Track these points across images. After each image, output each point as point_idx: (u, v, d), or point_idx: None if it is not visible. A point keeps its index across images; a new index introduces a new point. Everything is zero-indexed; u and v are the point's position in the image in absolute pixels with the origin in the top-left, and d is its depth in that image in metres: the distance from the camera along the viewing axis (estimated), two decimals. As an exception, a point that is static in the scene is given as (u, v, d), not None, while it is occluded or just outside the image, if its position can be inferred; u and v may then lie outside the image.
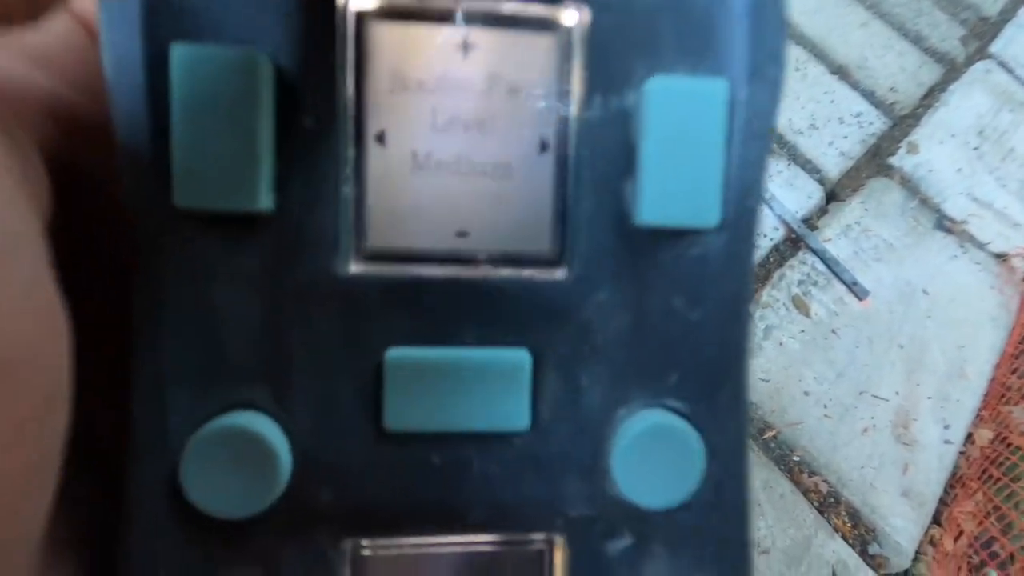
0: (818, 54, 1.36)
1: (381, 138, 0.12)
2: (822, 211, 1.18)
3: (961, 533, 0.93)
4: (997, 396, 1.06)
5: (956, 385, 1.06)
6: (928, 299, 1.13)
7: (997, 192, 1.30)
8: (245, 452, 0.12)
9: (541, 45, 0.13)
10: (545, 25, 0.13)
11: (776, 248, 1.10)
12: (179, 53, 0.11)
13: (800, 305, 1.05)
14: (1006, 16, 1.58)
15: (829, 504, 0.91)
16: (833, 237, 1.14)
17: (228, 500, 0.12)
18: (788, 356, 1.00)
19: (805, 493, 0.90)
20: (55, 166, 0.12)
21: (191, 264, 0.12)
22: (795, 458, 0.92)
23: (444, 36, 0.12)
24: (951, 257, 1.19)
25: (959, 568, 0.89)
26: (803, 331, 1.03)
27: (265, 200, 0.12)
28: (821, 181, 1.20)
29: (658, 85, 0.12)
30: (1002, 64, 1.48)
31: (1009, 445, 0.98)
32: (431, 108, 0.12)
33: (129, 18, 0.11)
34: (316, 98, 0.12)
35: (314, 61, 0.12)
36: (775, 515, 0.87)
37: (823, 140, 1.25)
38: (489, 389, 0.13)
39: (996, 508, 0.92)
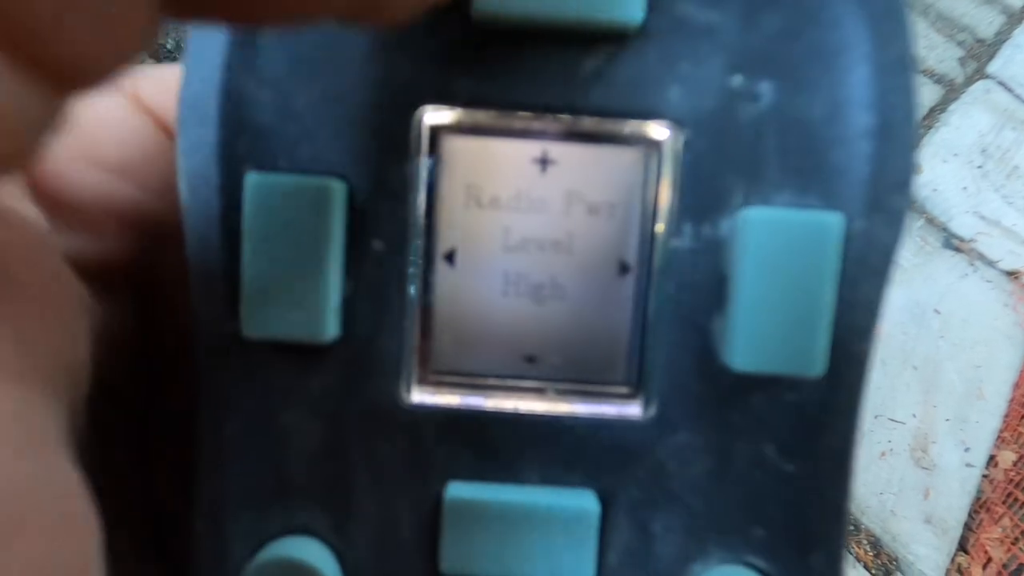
0: (816, 79, 1.38)
1: (451, 257, 0.12)
2: (828, 233, 1.18)
3: (989, 560, 0.90)
4: (1018, 416, 1.03)
5: (974, 406, 1.04)
6: (940, 319, 1.11)
7: (1004, 209, 1.30)
8: None
9: (626, 160, 0.12)
10: (631, 139, 0.12)
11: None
12: (253, 181, 0.11)
13: (810, 328, 1.05)
14: (1002, 37, 1.60)
15: (849, 532, 0.88)
16: (840, 259, 1.14)
17: None
18: (800, 380, 0.99)
19: (824, 521, 0.88)
20: (134, 277, 0.12)
21: (255, 390, 0.12)
22: (812, 485, 0.91)
23: (521, 151, 0.12)
24: (961, 276, 1.18)
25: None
26: (814, 354, 1.02)
27: (331, 330, 0.11)
28: (825, 203, 1.21)
29: (757, 216, 0.11)
30: (1001, 84, 1.49)
31: (1033, 467, 0.95)
32: (504, 226, 0.12)
33: (206, 144, 0.11)
34: (387, 219, 0.12)
35: (387, 181, 0.12)
36: (793, 544, 0.85)
37: (825, 163, 1.26)
38: (552, 536, 0.12)
39: (1023, 534, 0.89)
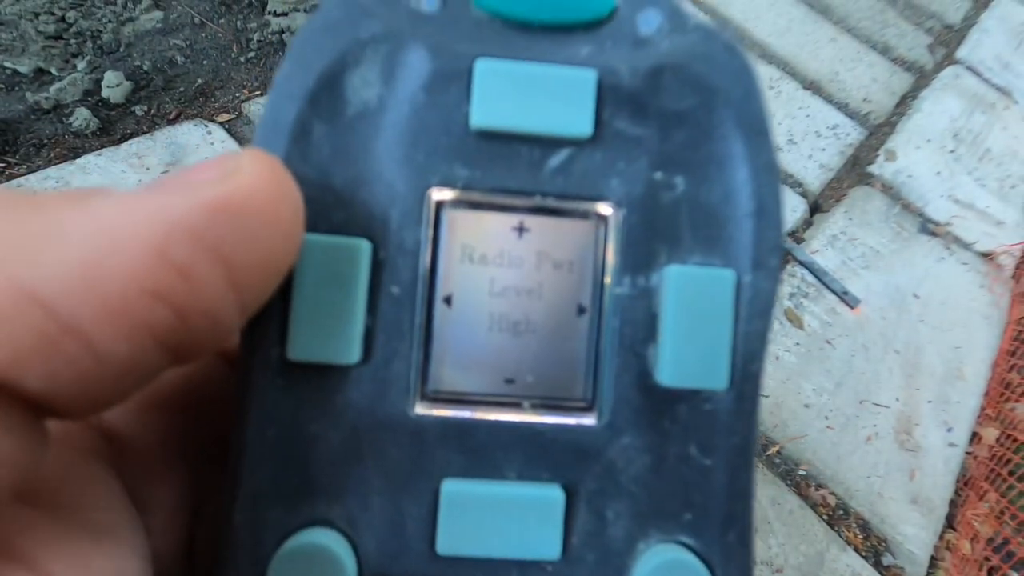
0: (790, 71, 1.40)
1: (449, 300, 0.15)
2: (807, 223, 1.20)
3: (976, 535, 0.92)
4: (998, 394, 1.06)
5: (955, 386, 1.06)
6: (919, 303, 1.14)
7: (977, 192, 1.32)
8: (320, 565, 0.14)
9: (582, 230, 0.15)
10: (586, 215, 0.15)
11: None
12: (305, 242, 0.14)
13: (793, 318, 1.06)
14: (969, 22, 1.63)
15: (839, 516, 0.90)
16: (820, 248, 1.15)
17: None
18: (785, 370, 1.01)
19: (814, 507, 0.90)
20: (178, 500, 0.15)
21: (293, 403, 0.14)
22: (801, 472, 0.93)
23: (504, 221, 0.15)
24: (938, 259, 1.21)
25: (979, 572, 0.88)
26: (798, 344, 1.04)
27: (355, 355, 0.14)
28: (804, 194, 1.23)
29: (676, 272, 0.15)
30: (970, 68, 1.52)
31: (1015, 441, 0.98)
32: (490, 278, 0.15)
33: None
34: (402, 270, 0.15)
35: (403, 242, 0.15)
36: (785, 532, 0.87)
37: (802, 154, 1.28)
38: (527, 522, 0.14)
39: (1007, 508, 0.92)
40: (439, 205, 0.15)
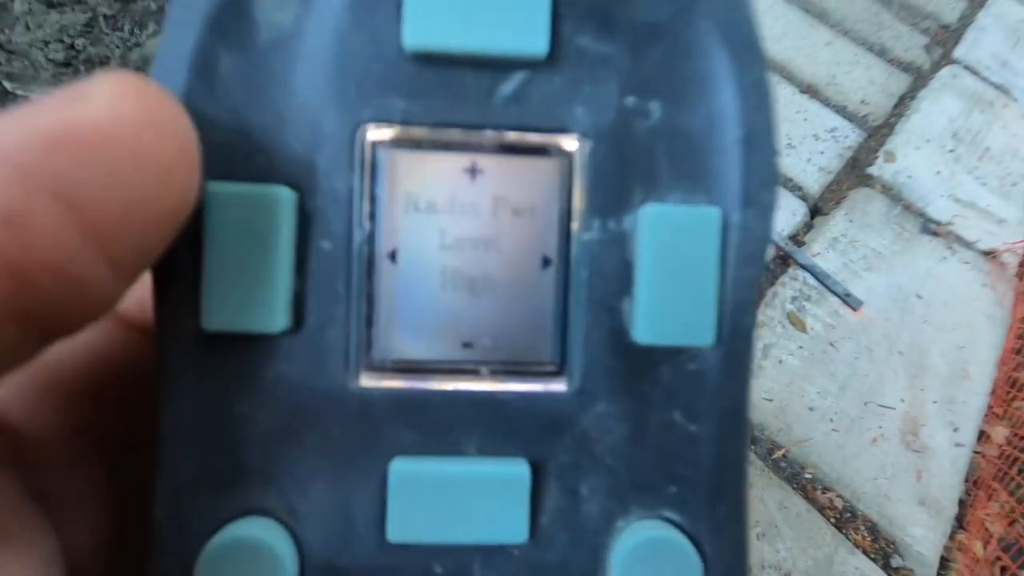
0: (787, 75, 1.41)
1: (393, 256, 0.13)
2: (808, 226, 1.20)
3: (989, 536, 0.92)
4: (1005, 393, 1.06)
5: (960, 386, 1.06)
6: (922, 303, 1.14)
7: (978, 191, 1.33)
8: (254, 561, 0.12)
9: (544, 169, 0.13)
10: (548, 151, 0.13)
11: (766, 267, 1.13)
12: (212, 190, 0.12)
13: (796, 321, 1.07)
14: (966, 21, 1.64)
15: (846, 519, 0.91)
16: (821, 251, 1.16)
17: None
18: (789, 373, 1.01)
19: (821, 510, 0.90)
20: (96, 498, 0.14)
21: (213, 380, 0.13)
22: (807, 475, 0.93)
23: (453, 162, 0.13)
24: (940, 259, 1.21)
25: (991, 573, 0.88)
26: (801, 347, 1.04)
27: (281, 322, 0.12)
28: (804, 197, 1.23)
29: (653, 212, 0.13)
30: (968, 68, 1.52)
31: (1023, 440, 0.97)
32: (440, 228, 0.13)
33: None
34: (334, 222, 0.13)
35: (334, 190, 0.13)
36: (793, 536, 0.87)
37: (801, 157, 1.29)
38: (488, 501, 0.13)
39: (1015, 507, 0.92)
40: (374, 145, 0.13)
